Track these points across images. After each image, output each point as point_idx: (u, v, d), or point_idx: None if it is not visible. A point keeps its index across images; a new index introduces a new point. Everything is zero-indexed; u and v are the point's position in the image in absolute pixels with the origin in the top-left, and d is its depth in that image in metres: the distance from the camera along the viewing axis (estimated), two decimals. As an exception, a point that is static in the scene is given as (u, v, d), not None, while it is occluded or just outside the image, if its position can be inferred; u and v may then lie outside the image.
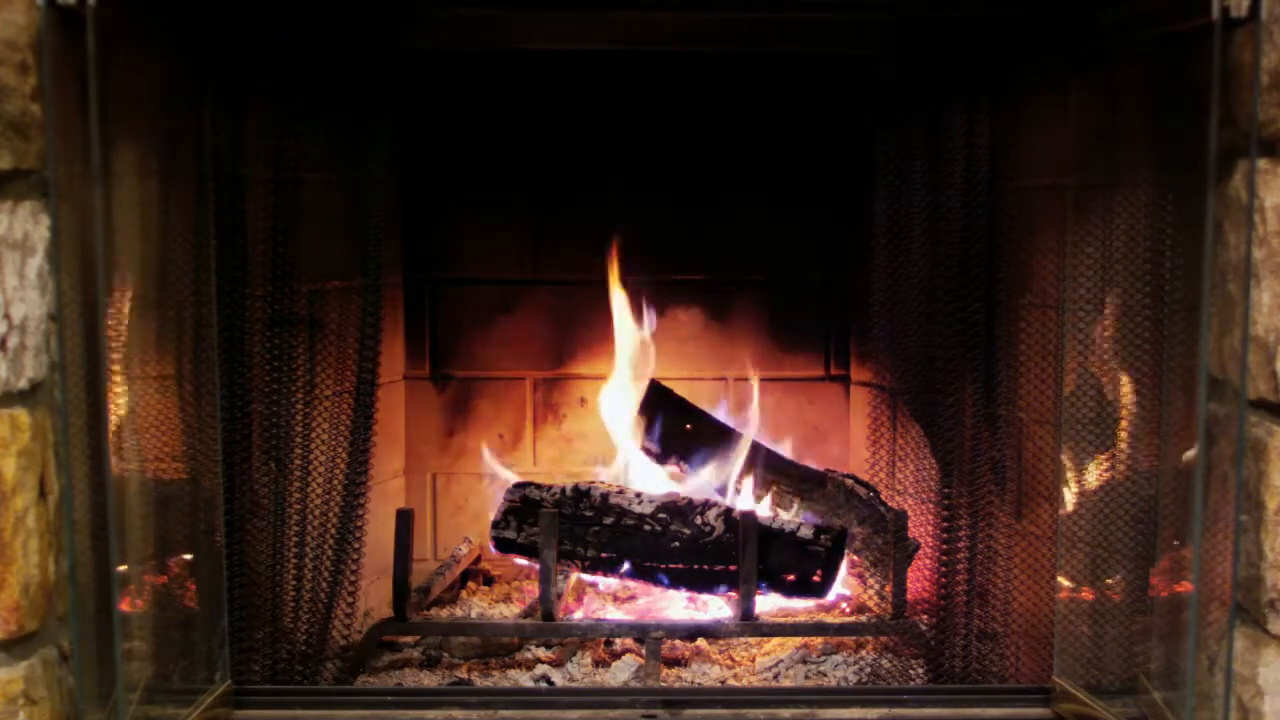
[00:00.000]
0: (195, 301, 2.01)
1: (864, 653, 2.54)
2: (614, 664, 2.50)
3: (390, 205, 2.37)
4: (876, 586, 2.51)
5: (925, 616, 2.42)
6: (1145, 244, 1.91)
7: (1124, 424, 1.98)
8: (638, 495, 2.69)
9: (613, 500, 2.67)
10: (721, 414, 2.94)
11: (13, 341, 1.52)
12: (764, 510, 2.79)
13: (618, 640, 2.58)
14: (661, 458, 2.92)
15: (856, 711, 2.02)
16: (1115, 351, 1.98)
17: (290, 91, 2.18)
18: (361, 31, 2.23)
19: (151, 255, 1.90)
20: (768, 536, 2.55)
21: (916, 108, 2.26)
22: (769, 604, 2.63)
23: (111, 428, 1.70)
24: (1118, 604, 1.98)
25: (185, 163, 1.99)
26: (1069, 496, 2.05)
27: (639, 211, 2.94)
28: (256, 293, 2.17)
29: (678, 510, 2.64)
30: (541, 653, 2.57)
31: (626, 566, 2.64)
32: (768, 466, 2.86)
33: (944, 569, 2.26)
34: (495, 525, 2.75)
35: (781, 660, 2.52)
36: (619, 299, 2.92)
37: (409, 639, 2.61)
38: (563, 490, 2.71)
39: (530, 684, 2.43)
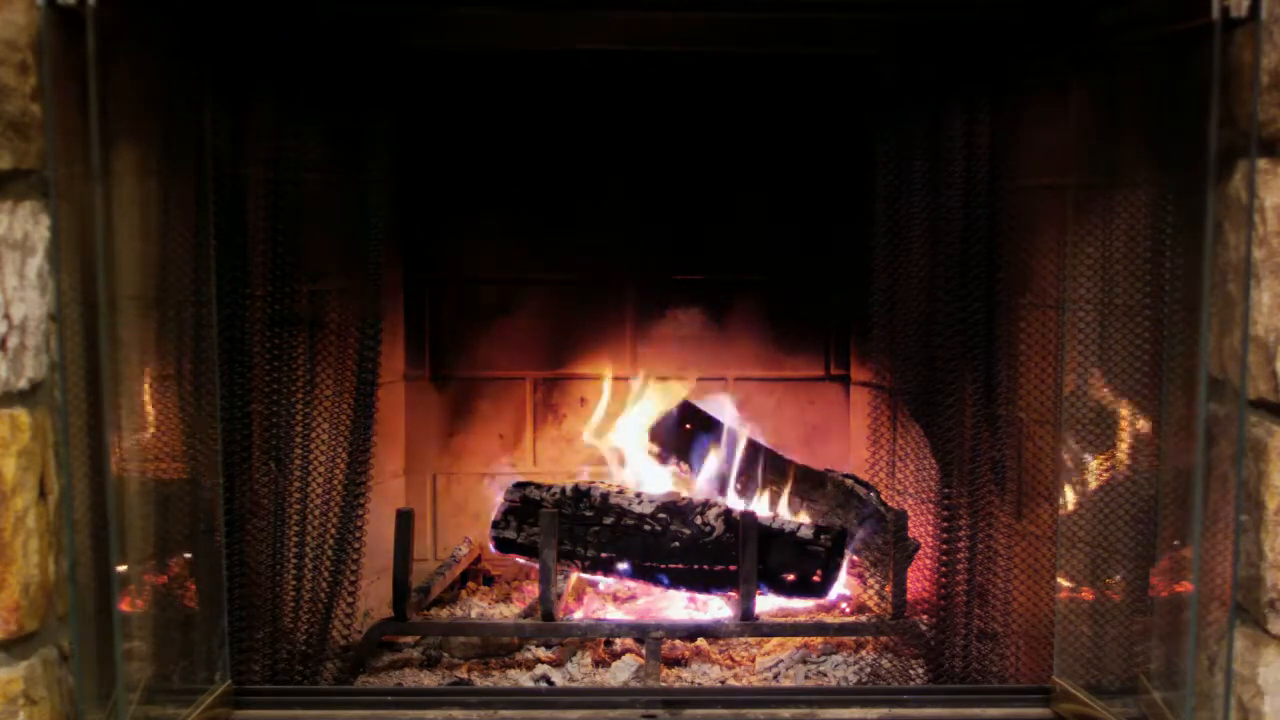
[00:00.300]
0: (195, 301, 2.01)
1: (864, 653, 2.54)
2: (614, 664, 2.50)
3: (390, 205, 2.36)
4: (876, 586, 2.51)
5: (925, 616, 2.42)
6: (1145, 244, 1.91)
7: (1124, 424, 1.98)
8: (638, 495, 2.69)
9: (613, 500, 2.67)
10: (721, 414, 2.94)
11: (13, 341, 1.52)
12: (764, 510, 2.79)
13: (618, 640, 2.58)
14: (662, 457, 2.92)
15: (856, 711, 2.02)
16: (1115, 351, 1.98)
17: (290, 91, 2.18)
18: (361, 31, 2.23)
19: (151, 255, 1.90)
20: (768, 536, 2.55)
21: (916, 108, 2.26)
22: (769, 604, 2.63)
23: (111, 428, 1.69)
24: (1118, 604, 1.98)
25: (185, 163, 1.99)
26: (1069, 496, 2.05)
27: (639, 211, 2.94)
28: (256, 293, 2.17)
29: (678, 510, 2.64)
30: (541, 653, 2.57)
31: (626, 566, 2.64)
32: (768, 466, 2.86)
33: (944, 569, 2.26)
34: (495, 525, 2.75)
35: (781, 660, 2.52)
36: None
37: (409, 639, 2.61)
38: (563, 490, 2.71)
39: (530, 684, 2.43)
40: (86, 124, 1.60)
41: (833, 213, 2.89)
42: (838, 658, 2.53)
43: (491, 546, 2.78)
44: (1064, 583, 2.06)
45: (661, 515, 2.63)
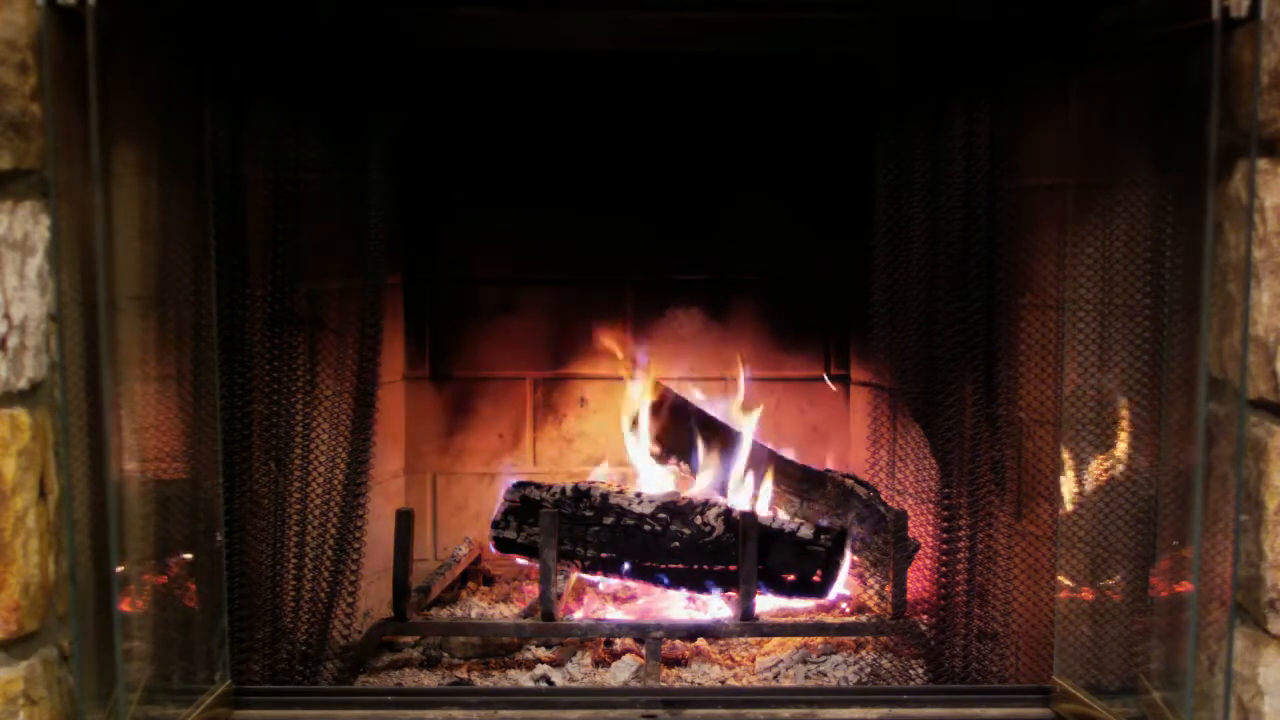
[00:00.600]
0: (195, 301, 2.01)
1: (864, 653, 2.54)
2: (614, 664, 2.50)
3: (390, 205, 2.36)
4: (876, 586, 2.51)
5: (925, 616, 2.42)
6: (1145, 244, 1.91)
7: (1124, 424, 1.98)
8: (638, 495, 2.69)
9: (613, 500, 2.67)
10: (722, 414, 2.94)
11: (13, 341, 1.52)
12: (764, 510, 2.79)
13: (618, 640, 2.58)
14: (663, 457, 2.92)
15: (856, 711, 2.02)
16: (1115, 351, 1.98)
17: (290, 91, 2.18)
18: (361, 32, 2.23)
19: (151, 255, 1.90)
20: (768, 536, 2.55)
21: (916, 108, 2.26)
22: (769, 604, 2.63)
23: (111, 428, 1.69)
24: (1118, 604, 1.98)
25: (185, 163, 1.99)
26: (1069, 496, 2.05)
27: (639, 211, 2.94)
28: (256, 293, 2.17)
29: (677, 510, 2.64)
30: (541, 653, 2.57)
31: (626, 566, 2.64)
32: (767, 466, 2.86)
33: (944, 569, 2.26)
34: (495, 525, 2.75)
35: (781, 660, 2.52)
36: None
37: (409, 639, 2.61)
38: (563, 490, 2.71)
39: (530, 684, 2.43)
40: (86, 124, 1.60)
41: (833, 212, 2.89)
42: (838, 658, 2.53)
43: (491, 546, 2.78)
44: (1064, 583, 2.06)
45: (661, 515, 2.63)
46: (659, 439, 2.93)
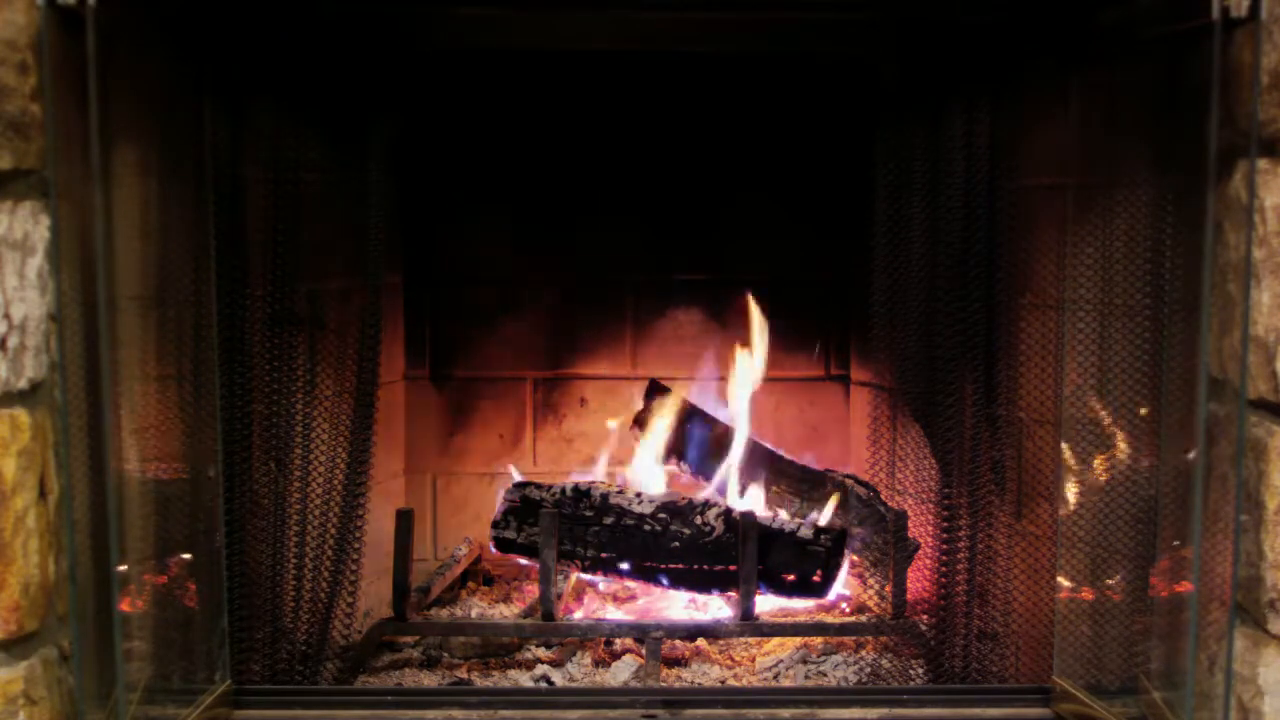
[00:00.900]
0: (195, 301, 2.01)
1: (864, 653, 2.54)
2: (614, 664, 2.50)
3: (390, 205, 2.36)
4: (876, 586, 2.51)
5: (925, 616, 2.42)
6: (1145, 244, 1.91)
7: (1124, 424, 1.98)
8: (638, 495, 2.69)
9: (613, 500, 2.67)
10: (722, 414, 2.94)
11: (13, 341, 1.52)
12: (764, 510, 2.79)
13: (618, 640, 2.58)
14: (662, 458, 2.92)
15: (856, 711, 2.02)
16: (1115, 351, 1.98)
17: (290, 91, 2.18)
18: (361, 32, 2.23)
19: (151, 255, 1.90)
20: (768, 536, 2.55)
21: (916, 108, 2.26)
22: (769, 604, 2.63)
23: (111, 428, 1.69)
24: (1118, 604, 1.98)
25: (185, 163, 1.99)
26: (1069, 497, 2.05)
27: (639, 211, 2.94)
28: (256, 293, 2.17)
29: (678, 510, 2.64)
30: (541, 653, 2.57)
31: (626, 566, 2.64)
32: (767, 466, 2.86)
33: (944, 569, 2.26)
34: (495, 525, 2.75)
35: (781, 660, 2.52)
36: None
37: (409, 639, 2.61)
38: (563, 490, 2.71)
39: (530, 684, 2.43)
40: (86, 124, 1.60)
41: (833, 212, 2.89)
42: (838, 658, 2.53)
43: (491, 546, 2.78)
44: (1064, 583, 2.06)
45: (661, 515, 2.63)
46: (659, 439, 2.92)
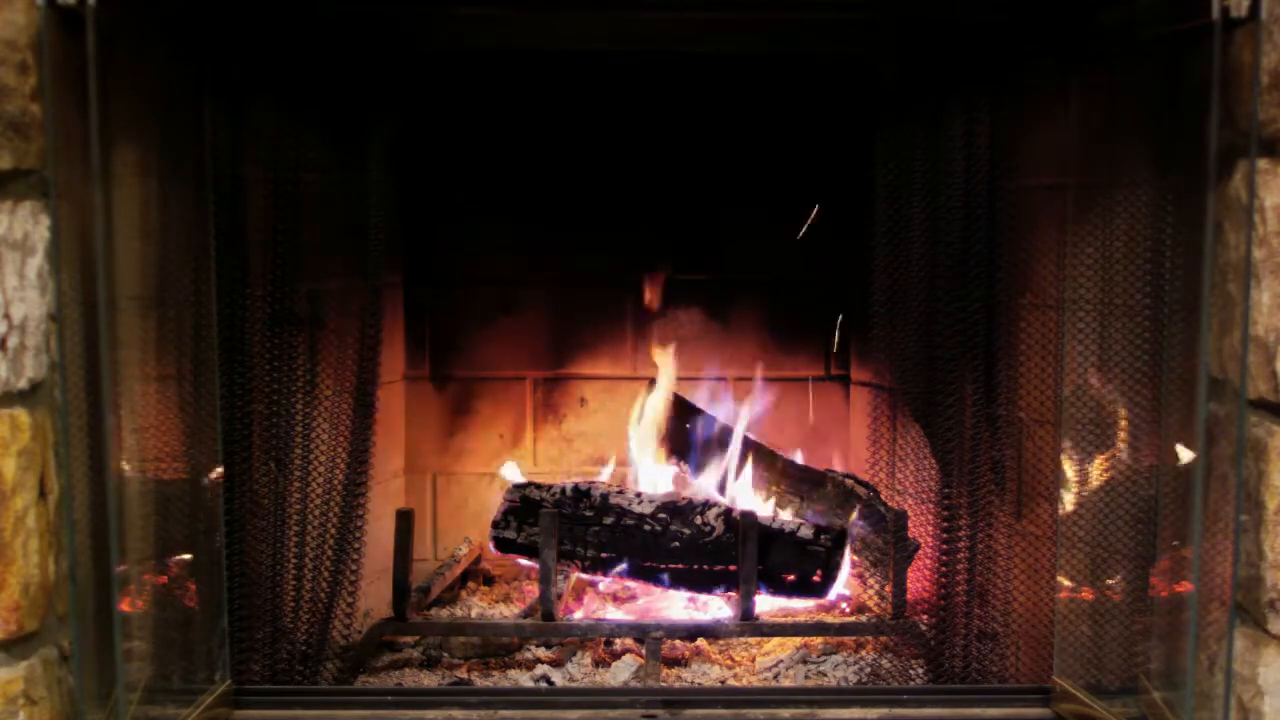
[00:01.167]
0: (195, 301, 2.01)
1: (864, 653, 2.54)
2: (614, 664, 2.50)
3: (390, 205, 2.36)
4: (876, 586, 2.51)
5: (925, 616, 2.42)
6: (1145, 244, 1.91)
7: (1124, 424, 1.98)
8: (638, 495, 2.69)
9: (613, 500, 2.67)
10: (721, 414, 2.94)
11: (13, 341, 1.52)
12: (764, 510, 2.79)
13: (618, 640, 2.58)
14: (663, 457, 2.92)
15: (856, 711, 2.02)
16: (1115, 351, 1.98)
17: (290, 91, 2.18)
18: (361, 32, 2.23)
19: (151, 255, 1.90)
20: (768, 536, 2.55)
21: (916, 108, 2.26)
22: (769, 604, 2.63)
23: (111, 428, 1.69)
24: (1118, 604, 1.98)
25: (185, 163, 1.99)
26: (1069, 496, 2.05)
27: (640, 211, 2.94)
28: (256, 292, 2.17)
29: (678, 510, 2.64)
30: (541, 653, 2.57)
31: (626, 566, 2.64)
32: (767, 466, 2.86)
33: (944, 569, 2.26)
34: (495, 525, 2.75)
35: (781, 660, 2.52)
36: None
37: (409, 639, 2.61)
38: (563, 490, 2.71)
39: (530, 684, 2.43)
40: (86, 124, 1.60)
41: (833, 213, 2.89)
42: (838, 658, 2.53)
43: (491, 546, 2.78)
44: (1064, 583, 2.06)
45: (661, 515, 2.63)
46: (659, 439, 2.93)
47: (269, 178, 2.19)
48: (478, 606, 2.84)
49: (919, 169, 2.26)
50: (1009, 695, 2.08)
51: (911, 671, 2.36)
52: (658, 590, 2.70)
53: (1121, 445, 1.98)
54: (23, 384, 1.54)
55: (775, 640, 2.61)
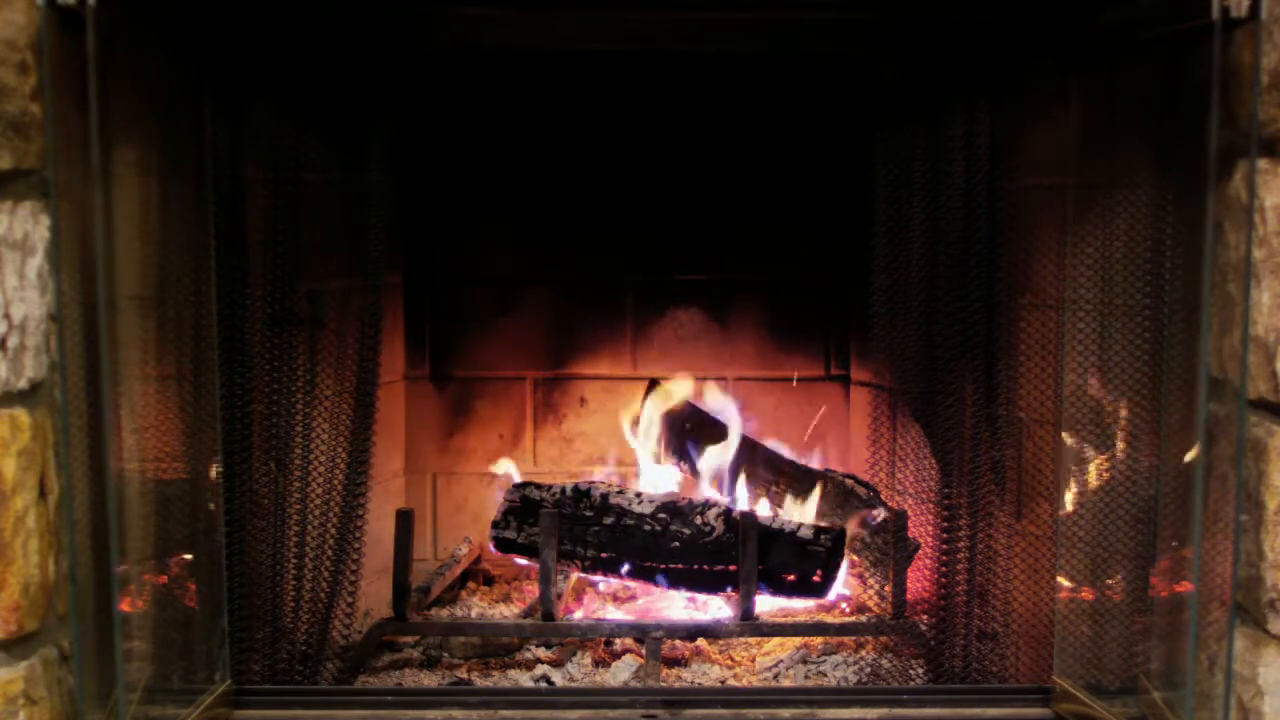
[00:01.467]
0: (195, 301, 2.01)
1: (864, 653, 2.54)
2: (614, 664, 2.50)
3: (390, 205, 2.36)
4: (876, 586, 2.50)
5: (925, 616, 2.42)
6: (1145, 244, 1.91)
7: (1123, 424, 1.98)
8: (638, 495, 2.69)
9: (613, 500, 2.67)
10: (721, 414, 2.94)
11: (13, 341, 1.52)
12: (764, 510, 2.79)
13: (618, 640, 2.58)
14: (663, 457, 2.92)
15: (856, 711, 2.02)
16: (1115, 351, 1.98)
17: (290, 92, 2.18)
18: (361, 32, 2.23)
19: (151, 255, 1.90)
20: (768, 536, 2.55)
21: (916, 108, 2.26)
22: (769, 604, 2.63)
23: (111, 428, 1.69)
24: (1118, 604, 1.98)
25: (185, 163, 1.99)
26: (1069, 497, 2.05)
27: (640, 211, 2.94)
28: (256, 293, 2.17)
29: (678, 510, 2.64)
30: (541, 653, 2.57)
31: (626, 566, 2.64)
32: (767, 466, 2.86)
33: (944, 569, 2.26)
34: (495, 525, 2.75)
35: (781, 660, 2.52)
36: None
37: (409, 639, 2.61)
38: (563, 490, 2.71)
39: (530, 684, 2.43)
40: (86, 124, 1.60)
41: (833, 213, 2.89)
42: (838, 658, 2.53)
43: (491, 546, 2.78)
44: (1064, 583, 2.06)
45: (661, 515, 2.63)
46: (659, 439, 2.93)
47: (269, 178, 2.19)
48: (478, 606, 2.84)
49: (919, 169, 2.26)
50: (1009, 695, 2.08)
51: (911, 671, 2.36)
52: (658, 590, 2.70)
53: (1121, 445, 1.98)
54: (23, 384, 1.54)
55: (775, 640, 2.61)
